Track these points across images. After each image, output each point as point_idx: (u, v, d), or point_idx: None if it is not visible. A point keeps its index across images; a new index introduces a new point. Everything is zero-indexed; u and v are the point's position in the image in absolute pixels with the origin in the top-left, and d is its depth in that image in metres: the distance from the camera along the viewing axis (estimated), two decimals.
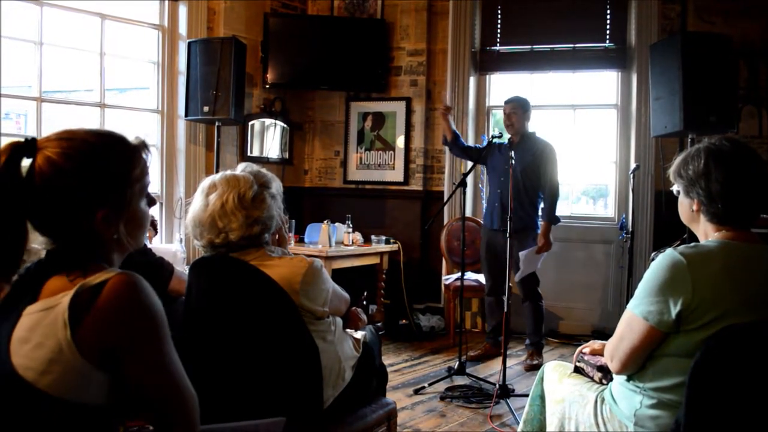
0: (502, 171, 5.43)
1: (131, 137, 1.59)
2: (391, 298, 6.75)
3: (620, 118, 6.57)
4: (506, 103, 5.52)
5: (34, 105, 5.34)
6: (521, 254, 5.32)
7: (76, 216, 1.48)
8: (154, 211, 2.96)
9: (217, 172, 5.91)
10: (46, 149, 1.46)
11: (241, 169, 2.39)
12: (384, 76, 7.00)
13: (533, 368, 5.40)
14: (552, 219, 5.38)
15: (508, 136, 5.51)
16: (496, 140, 5.15)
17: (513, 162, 4.75)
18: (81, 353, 1.37)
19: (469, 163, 6.48)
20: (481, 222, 6.33)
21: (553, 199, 5.38)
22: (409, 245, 6.79)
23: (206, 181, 2.35)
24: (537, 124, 6.78)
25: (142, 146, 1.60)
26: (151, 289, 1.44)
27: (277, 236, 2.52)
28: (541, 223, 5.41)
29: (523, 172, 5.38)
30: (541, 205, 5.47)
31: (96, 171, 1.48)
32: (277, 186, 2.42)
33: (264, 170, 2.42)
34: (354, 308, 2.85)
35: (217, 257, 2.32)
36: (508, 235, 4.60)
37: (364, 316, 2.91)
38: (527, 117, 5.50)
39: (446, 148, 6.47)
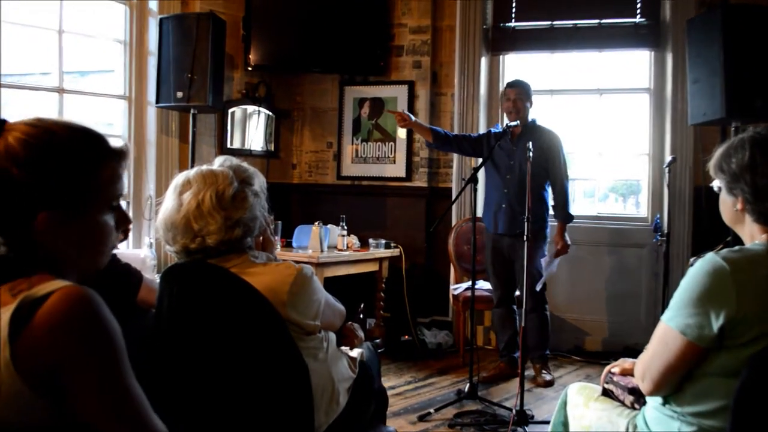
0: (508, 167, 5.45)
1: (116, 142, 1.58)
2: (392, 311, 6.74)
3: (653, 104, 6.56)
4: (509, 86, 5.55)
5: None
6: (543, 261, 5.36)
7: (16, 214, 1.45)
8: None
9: (192, 166, 5.90)
10: (10, 133, 1.45)
11: (219, 163, 2.38)
12: (383, 56, 7.00)
13: (548, 385, 5.42)
14: (567, 218, 5.45)
15: (507, 124, 5.51)
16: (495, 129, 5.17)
17: (530, 155, 4.74)
18: (20, 376, 1.34)
19: (480, 158, 6.48)
20: None
21: (565, 195, 5.44)
22: (413, 250, 6.79)
23: (179, 178, 2.34)
24: (557, 112, 6.79)
25: (120, 153, 1.57)
26: (105, 306, 1.40)
27: (261, 239, 2.51)
28: (554, 224, 5.44)
29: (532, 165, 5.38)
30: (551, 203, 5.50)
31: (49, 166, 1.45)
32: (260, 182, 2.41)
33: (245, 164, 2.42)
34: (349, 323, 2.85)
35: (192, 264, 2.31)
36: (525, 238, 4.59)
37: (360, 332, 2.91)
38: (531, 103, 5.55)
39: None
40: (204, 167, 2.35)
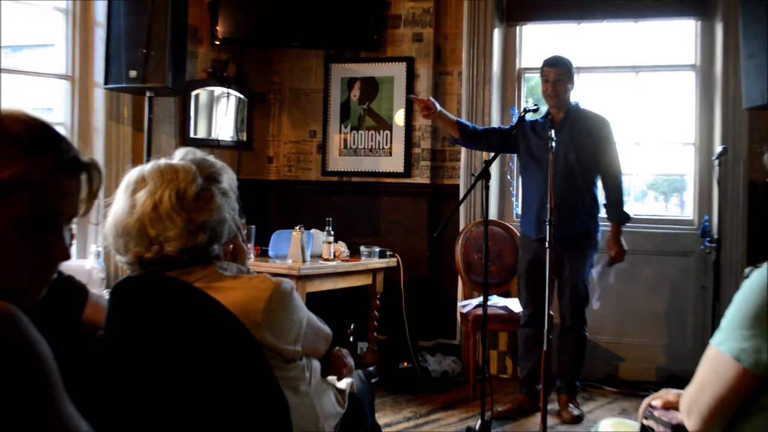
0: (548, 159, 5.44)
1: (84, 155, 1.55)
2: (389, 333, 6.74)
3: (700, 84, 6.58)
4: (548, 65, 5.54)
5: None
6: (594, 272, 5.39)
7: None
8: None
9: (148, 160, 5.88)
10: None
11: (179, 156, 2.38)
12: (377, 28, 7.00)
13: (576, 421, 5.43)
14: (622, 217, 5.50)
15: (545, 109, 5.53)
16: (530, 116, 5.16)
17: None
18: None
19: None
20: (510, 226, 6.33)
21: (619, 191, 5.49)
22: (413, 259, 6.79)
23: (132, 174, 2.33)
24: (586, 93, 6.80)
25: (75, 161, 1.54)
26: (31, 326, 1.39)
27: (231, 247, 2.51)
28: (604, 225, 5.46)
29: (578, 160, 5.41)
30: (603, 202, 5.53)
31: None
32: (229, 179, 2.41)
33: (211, 158, 2.41)
34: (337, 348, 2.84)
35: (147, 278, 2.31)
36: (547, 244, 4.59)
37: (350, 359, 2.90)
38: (573, 85, 5.55)
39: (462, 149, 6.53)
40: (162, 161, 2.34)
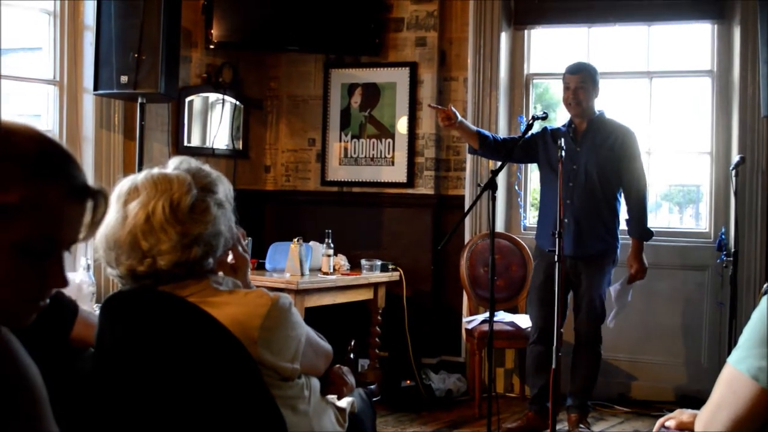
0: (571, 172, 5.43)
1: (93, 182, 1.54)
2: (391, 350, 6.73)
3: (716, 90, 6.58)
4: (570, 72, 5.55)
5: None
6: (612, 290, 5.39)
7: None
8: None
9: (140, 169, 5.86)
10: None
11: (173, 165, 2.38)
12: (378, 32, 7.01)
13: None
14: (644, 234, 5.51)
15: (555, 117, 5.53)
16: (538, 124, 5.17)
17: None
18: None
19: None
20: (518, 239, 6.33)
21: (643, 207, 5.49)
22: (416, 273, 6.79)
23: (124, 184, 2.33)
24: (597, 99, 6.79)
25: (85, 189, 1.51)
26: (22, 350, 1.39)
27: (230, 259, 2.52)
28: (624, 240, 5.47)
29: (600, 172, 5.41)
30: (624, 217, 5.53)
31: None
32: (225, 190, 2.41)
33: (207, 167, 2.42)
34: (337, 366, 2.84)
35: (139, 292, 2.31)
36: (556, 258, 4.59)
37: (351, 378, 2.89)
38: (597, 92, 5.57)
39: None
40: (155, 170, 2.34)
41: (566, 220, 5.47)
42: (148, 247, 2.24)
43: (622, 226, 5.60)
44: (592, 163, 5.42)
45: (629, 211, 5.54)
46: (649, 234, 5.52)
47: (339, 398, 2.83)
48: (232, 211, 2.43)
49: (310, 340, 2.48)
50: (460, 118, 5.53)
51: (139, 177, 2.33)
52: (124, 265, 2.28)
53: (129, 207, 2.26)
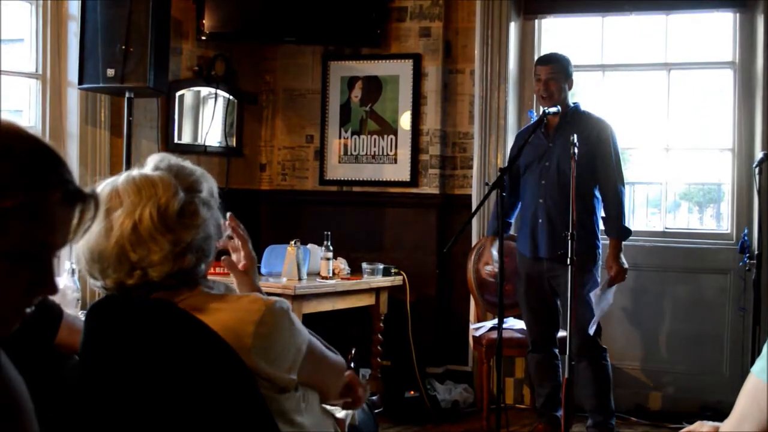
0: (542, 169, 5.46)
1: (86, 187, 1.54)
2: (393, 358, 6.74)
3: (739, 83, 6.58)
4: (539, 63, 5.61)
5: None
6: (592, 295, 5.37)
7: None
8: None
9: (128, 167, 5.87)
10: None
11: (153, 165, 2.32)
12: (380, 22, 7.02)
13: None
14: (622, 233, 5.48)
15: (545, 110, 5.53)
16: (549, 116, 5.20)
17: (575, 150, 4.78)
18: None
19: (508, 153, 6.48)
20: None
21: (619, 204, 5.48)
22: (420, 278, 6.80)
23: (104, 189, 2.27)
24: (612, 93, 6.80)
25: (78, 194, 1.54)
26: (9, 364, 1.39)
27: (241, 264, 2.54)
28: (606, 242, 5.46)
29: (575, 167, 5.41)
30: (602, 214, 5.53)
31: None
32: (209, 187, 2.37)
33: (188, 164, 2.36)
34: (350, 371, 2.80)
35: (127, 298, 2.31)
36: (569, 261, 4.60)
37: (362, 391, 2.86)
38: (570, 84, 5.60)
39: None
40: (135, 173, 2.29)
41: (540, 220, 5.51)
42: (137, 258, 2.20)
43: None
44: (564, 159, 5.36)
45: (605, 209, 5.53)
46: (626, 232, 5.50)
47: (357, 405, 2.82)
48: (219, 209, 2.41)
49: (314, 351, 2.44)
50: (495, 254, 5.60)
51: (119, 180, 2.27)
52: (112, 278, 2.24)
53: (113, 216, 2.21)
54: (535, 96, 5.65)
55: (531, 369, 5.77)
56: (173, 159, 2.37)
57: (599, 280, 5.54)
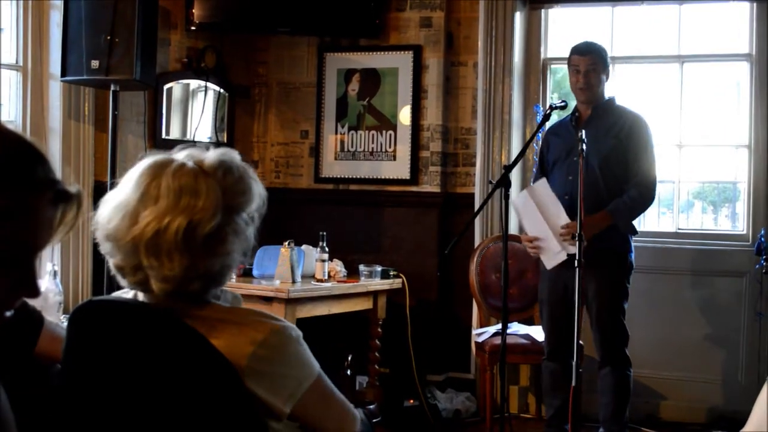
0: (570, 165, 5.41)
1: (71, 186, 1.54)
2: (392, 365, 6.73)
3: (755, 76, 6.57)
4: (577, 53, 5.52)
5: None
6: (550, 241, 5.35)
7: None
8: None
9: (112, 164, 5.86)
10: None
11: (213, 161, 2.25)
12: (378, 11, 7.01)
13: None
14: (625, 219, 5.37)
15: (573, 104, 5.51)
16: (556, 114, 5.16)
17: (584, 147, 4.76)
18: None
19: (514, 152, 6.48)
20: None
21: (644, 199, 5.40)
22: (421, 281, 6.79)
23: (150, 167, 2.22)
24: (622, 86, 6.79)
25: (64, 194, 1.53)
26: None
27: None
28: (639, 245, 5.43)
29: (603, 164, 5.36)
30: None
31: None
32: (258, 204, 2.31)
33: (250, 172, 2.32)
34: None
35: (112, 302, 2.29)
36: (576, 263, 4.58)
37: None
38: (607, 75, 5.55)
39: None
40: (190, 164, 2.22)
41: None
42: (146, 264, 2.16)
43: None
44: (594, 154, 5.34)
45: (626, 194, 5.38)
46: (630, 228, 5.43)
47: None
48: (257, 226, 2.35)
49: (323, 390, 2.36)
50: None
51: (170, 167, 2.21)
52: (115, 260, 2.22)
53: (143, 214, 2.15)
54: (571, 87, 5.57)
55: (544, 378, 5.74)
56: (237, 163, 2.28)
57: (630, 289, 5.48)
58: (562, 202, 5.37)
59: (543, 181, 5.44)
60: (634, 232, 5.49)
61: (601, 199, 5.35)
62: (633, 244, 5.52)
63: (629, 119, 5.49)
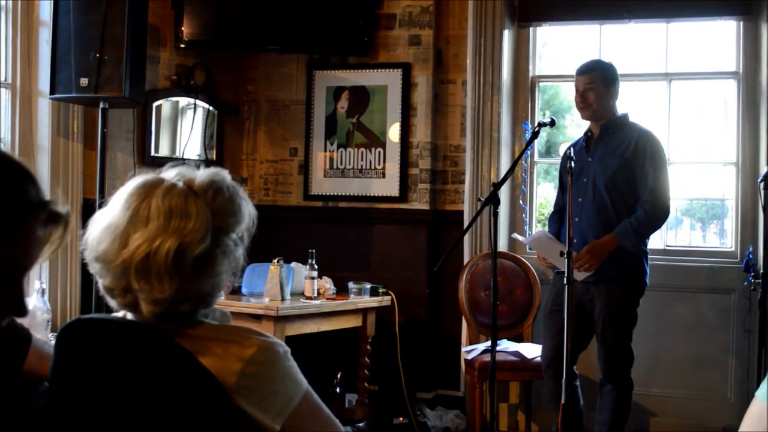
0: (580, 186, 5.37)
1: (61, 207, 1.54)
2: (381, 383, 6.72)
3: (743, 94, 6.60)
4: (577, 72, 5.52)
5: None
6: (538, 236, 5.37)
7: None
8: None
9: (101, 181, 5.84)
10: None
11: (204, 180, 2.25)
12: (368, 29, 7.02)
13: None
14: (631, 241, 5.30)
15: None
16: (545, 132, 5.17)
17: (572, 164, 4.77)
18: None
19: (503, 169, 6.49)
20: (523, 259, 6.34)
21: (651, 217, 5.31)
22: (410, 298, 6.78)
23: (139, 186, 2.21)
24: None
25: (55, 216, 1.54)
26: None
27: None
28: (655, 263, 5.40)
29: (609, 184, 5.34)
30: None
31: None
32: (247, 224, 2.32)
33: (240, 192, 2.30)
34: None
35: (101, 320, 2.28)
36: (565, 280, 4.59)
37: None
38: (613, 93, 5.50)
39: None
40: (180, 185, 2.21)
41: (575, 241, 5.42)
42: (136, 287, 2.15)
43: (650, 245, 5.52)
44: (601, 175, 5.34)
45: (634, 214, 5.32)
46: (638, 248, 5.35)
47: None
48: (246, 245, 2.35)
49: (311, 406, 2.35)
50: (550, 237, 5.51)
51: (159, 188, 2.19)
52: (104, 281, 2.21)
53: (133, 237, 2.13)
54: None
55: (545, 396, 5.72)
56: (227, 182, 2.27)
57: (639, 309, 5.46)
58: (573, 224, 5.33)
59: (541, 232, 5.45)
60: (642, 252, 5.40)
61: (611, 221, 5.32)
62: (648, 265, 5.46)
63: (635, 136, 5.43)
